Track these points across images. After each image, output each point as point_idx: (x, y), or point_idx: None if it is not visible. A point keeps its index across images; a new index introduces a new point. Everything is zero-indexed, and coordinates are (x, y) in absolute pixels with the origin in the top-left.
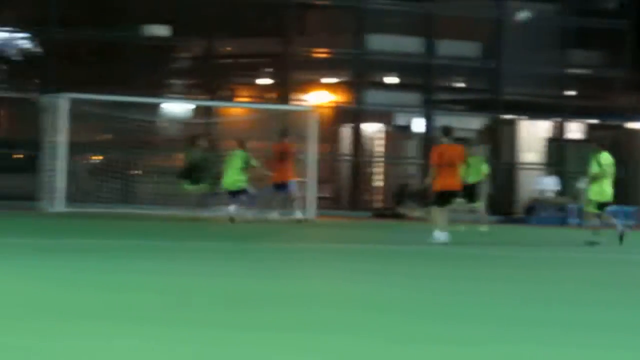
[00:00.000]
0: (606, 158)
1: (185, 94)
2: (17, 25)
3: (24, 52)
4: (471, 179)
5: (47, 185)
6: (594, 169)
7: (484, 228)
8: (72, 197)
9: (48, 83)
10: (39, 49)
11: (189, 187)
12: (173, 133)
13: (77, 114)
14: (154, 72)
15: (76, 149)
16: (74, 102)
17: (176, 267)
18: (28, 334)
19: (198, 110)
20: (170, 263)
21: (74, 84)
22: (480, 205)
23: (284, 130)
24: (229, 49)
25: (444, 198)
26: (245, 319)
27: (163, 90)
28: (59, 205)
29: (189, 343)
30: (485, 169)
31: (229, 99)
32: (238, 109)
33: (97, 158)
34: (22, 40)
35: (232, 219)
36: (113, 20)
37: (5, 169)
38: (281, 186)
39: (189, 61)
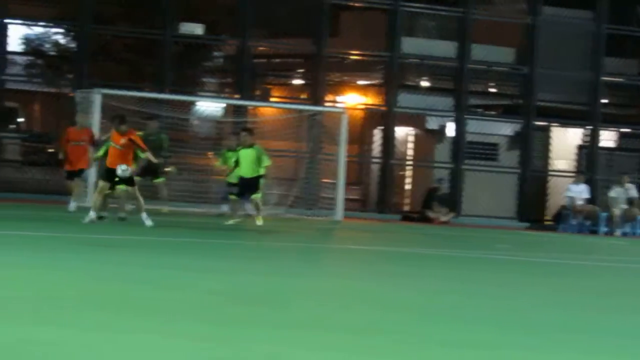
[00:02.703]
0: None
1: (217, 93)
2: (52, 20)
3: (59, 48)
4: None
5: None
6: None
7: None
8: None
9: (82, 78)
10: (73, 45)
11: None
12: (204, 131)
13: (110, 110)
14: (187, 70)
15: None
16: (107, 98)
17: (213, 264)
18: (71, 328)
19: (230, 109)
20: (201, 259)
21: (107, 79)
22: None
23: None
24: (262, 48)
25: None
26: (267, 317)
27: (195, 88)
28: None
29: (219, 341)
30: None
31: (261, 98)
32: (270, 108)
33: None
34: (56, 36)
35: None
36: (147, 16)
37: (39, 163)
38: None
39: (222, 60)
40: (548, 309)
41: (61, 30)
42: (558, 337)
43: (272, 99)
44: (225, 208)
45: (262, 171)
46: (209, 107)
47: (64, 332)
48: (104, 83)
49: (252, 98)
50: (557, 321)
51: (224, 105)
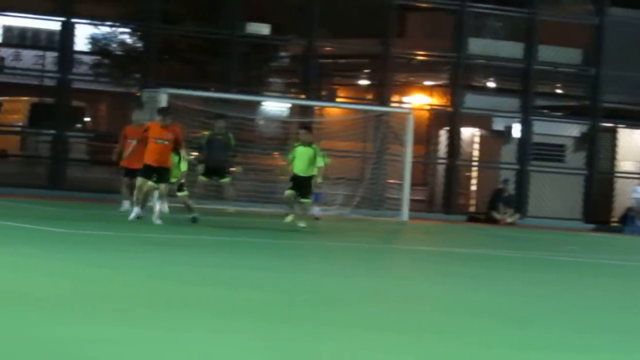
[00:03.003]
0: None
1: (283, 93)
2: (119, 20)
3: (126, 47)
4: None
5: None
6: None
7: None
8: (169, 192)
9: (148, 78)
10: (140, 44)
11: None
12: (270, 131)
13: (176, 109)
14: (253, 70)
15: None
16: (173, 97)
17: (274, 263)
18: (144, 326)
19: (296, 109)
20: (268, 260)
21: (173, 79)
22: None
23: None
24: (328, 48)
25: None
26: (333, 317)
27: (261, 88)
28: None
29: (286, 340)
30: None
31: (327, 98)
32: (335, 109)
33: (194, 154)
34: (123, 35)
35: (316, 218)
36: (214, 16)
37: (105, 162)
38: None
39: (289, 60)
40: (616, 312)
41: (128, 30)
42: (627, 340)
43: (337, 99)
44: (315, 210)
45: (314, 171)
46: (275, 107)
47: (135, 332)
48: (170, 83)
49: (318, 98)
50: (625, 324)
51: (290, 105)
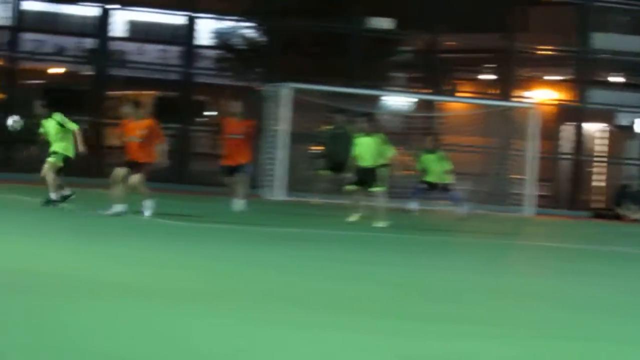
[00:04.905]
0: None
1: (405, 87)
2: (242, 15)
3: (248, 42)
4: None
5: (267, 172)
6: None
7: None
8: (292, 186)
9: (271, 72)
10: (262, 39)
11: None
12: (393, 126)
13: (299, 104)
14: (375, 65)
15: (296, 138)
16: (296, 92)
17: (395, 258)
18: (254, 321)
19: (418, 104)
20: (383, 254)
21: (295, 73)
22: None
23: None
24: (451, 43)
25: None
26: (449, 312)
27: (384, 82)
28: (278, 193)
29: (405, 336)
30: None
31: (450, 93)
32: (458, 103)
33: (317, 148)
34: (246, 30)
35: (412, 212)
36: (337, 11)
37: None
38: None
39: (411, 54)
40: None
41: (251, 25)
42: None
43: (461, 94)
44: (413, 205)
45: (383, 161)
46: (397, 101)
47: (248, 328)
48: (292, 77)
49: (440, 93)
50: None
51: (413, 100)
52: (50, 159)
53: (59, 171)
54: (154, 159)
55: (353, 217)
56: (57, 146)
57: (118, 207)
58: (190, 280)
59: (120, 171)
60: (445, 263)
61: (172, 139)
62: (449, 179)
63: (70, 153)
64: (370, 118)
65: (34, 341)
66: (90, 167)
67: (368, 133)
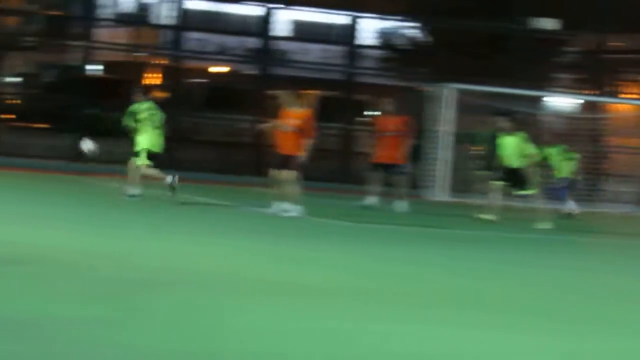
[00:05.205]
0: None
1: (570, 88)
2: (405, 14)
3: (410, 42)
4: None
5: (430, 173)
6: None
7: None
8: (454, 187)
9: (434, 73)
10: (425, 39)
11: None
12: (557, 127)
13: (461, 104)
14: (539, 65)
15: (459, 139)
16: (459, 92)
17: (543, 260)
18: (426, 322)
19: (584, 106)
20: (552, 257)
21: (458, 74)
22: None
23: None
24: (617, 43)
25: None
26: (615, 316)
27: (547, 83)
28: (440, 193)
29: (564, 336)
30: None
31: (617, 94)
32: (627, 105)
33: (478, 149)
34: (408, 30)
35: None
36: (501, 11)
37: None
38: None
39: (576, 55)
40: None
41: (413, 25)
42: None
43: (626, 95)
44: (570, 206)
45: (526, 161)
46: (561, 103)
47: (415, 327)
48: (454, 77)
49: (607, 94)
50: None
51: (578, 101)
52: (137, 160)
53: (152, 164)
54: (301, 152)
55: (486, 216)
56: (140, 141)
57: (285, 206)
58: (356, 280)
59: (277, 172)
60: (611, 267)
61: (334, 138)
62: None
63: (151, 146)
64: (511, 117)
65: (196, 339)
66: (250, 165)
67: (510, 132)
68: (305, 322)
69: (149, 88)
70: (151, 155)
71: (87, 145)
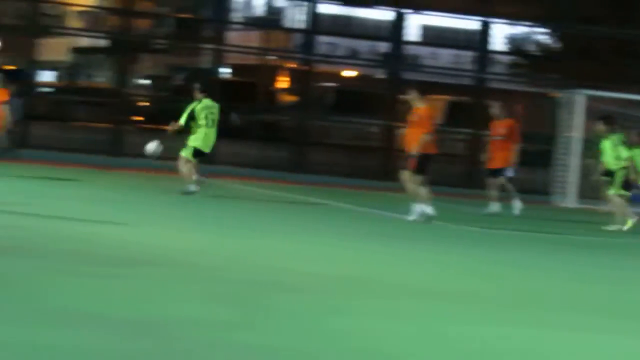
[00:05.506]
0: None
1: None
2: (536, 20)
3: (542, 48)
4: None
5: (559, 179)
6: None
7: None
8: (583, 193)
9: (565, 79)
10: (556, 45)
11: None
12: None
13: (591, 111)
14: None
15: (588, 145)
16: (588, 99)
17: None
18: (548, 328)
19: None
20: None
21: (588, 80)
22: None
23: None
24: None
25: None
26: None
27: None
28: (570, 200)
29: None
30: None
31: None
32: None
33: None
34: (540, 36)
35: None
36: (632, 18)
37: (520, 162)
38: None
39: None
40: None
41: (545, 30)
42: None
43: None
44: None
45: (622, 164)
46: None
47: (539, 333)
48: (584, 84)
49: None
50: None
51: None
52: (182, 153)
53: (197, 161)
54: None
55: (612, 227)
56: (193, 139)
57: (421, 208)
58: (480, 284)
59: (407, 175)
60: None
61: (464, 143)
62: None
63: (202, 145)
64: (607, 120)
65: (320, 341)
66: (379, 169)
67: (607, 135)
68: (437, 326)
69: (208, 86)
70: (198, 153)
71: (153, 147)
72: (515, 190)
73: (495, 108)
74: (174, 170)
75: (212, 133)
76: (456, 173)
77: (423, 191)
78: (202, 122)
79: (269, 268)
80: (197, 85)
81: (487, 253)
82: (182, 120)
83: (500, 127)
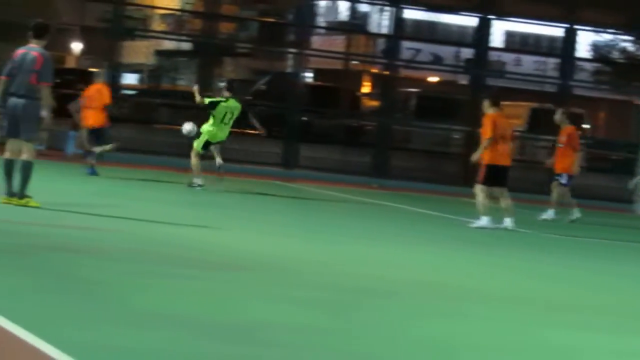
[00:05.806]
0: None
1: None
2: (622, 27)
3: (628, 55)
4: None
5: None
6: None
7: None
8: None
9: None
10: None
11: None
12: None
13: None
14: None
15: None
16: None
17: None
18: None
19: None
20: None
21: None
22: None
23: None
24: None
25: None
26: None
27: None
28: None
29: None
30: None
31: None
32: None
33: None
34: (626, 43)
35: None
36: None
37: (602, 170)
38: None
39: None
40: None
41: (630, 38)
42: None
43: None
44: None
45: None
46: None
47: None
48: None
49: None
50: None
51: None
52: (194, 144)
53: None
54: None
55: None
56: (205, 129)
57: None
58: (560, 292)
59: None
60: None
61: (547, 150)
62: None
63: (211, 137)
64: None
65: (409, 350)
66: (460, 176)
67: None
68: (526, 334)
69: (235, 85)
70: (207, 144)
71: (188, 127)
72: (566, 199)
73: (557, 115)
74: (243, 172)
75: (226, 129)
76: (537, 180)
77: (504, 203)
78: (219, 116)
79: (355, 274)
80: (224, 84)
81: (569, 260)
82: (205, 100)
83: (562, 135)
